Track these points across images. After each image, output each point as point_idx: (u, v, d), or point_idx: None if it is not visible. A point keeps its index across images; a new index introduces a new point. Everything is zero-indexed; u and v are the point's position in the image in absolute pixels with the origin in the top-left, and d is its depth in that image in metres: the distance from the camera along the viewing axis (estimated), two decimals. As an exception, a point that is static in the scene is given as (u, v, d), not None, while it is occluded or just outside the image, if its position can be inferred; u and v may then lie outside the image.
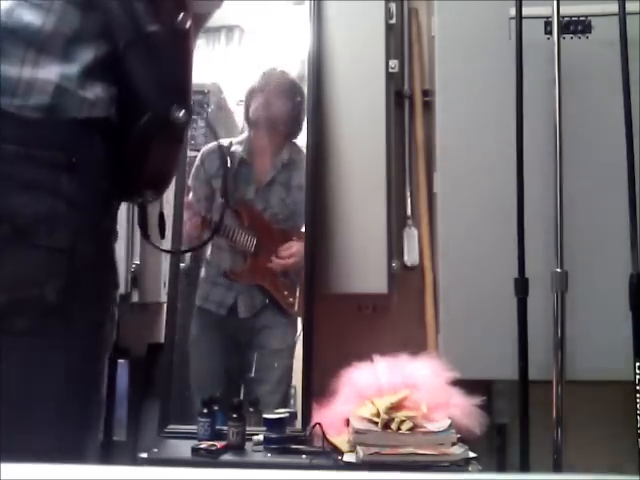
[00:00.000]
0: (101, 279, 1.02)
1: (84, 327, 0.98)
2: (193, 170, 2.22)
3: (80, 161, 0.96)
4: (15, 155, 0.91)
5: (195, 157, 2.23)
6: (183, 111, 1.05)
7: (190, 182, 2.21)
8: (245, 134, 2.27)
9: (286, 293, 2.18)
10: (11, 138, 0.92)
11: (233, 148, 2.23)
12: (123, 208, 1.96)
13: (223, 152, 2.17)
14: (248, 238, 2.19)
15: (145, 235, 1.20)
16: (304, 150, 2.14)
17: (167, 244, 2.17)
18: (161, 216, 1.22)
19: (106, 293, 1.03)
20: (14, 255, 0.91)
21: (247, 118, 2.26)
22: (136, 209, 1.19)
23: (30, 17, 0.98)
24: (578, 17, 2.02)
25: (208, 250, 2.24)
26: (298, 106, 2.20)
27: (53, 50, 0.97)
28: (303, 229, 2.12)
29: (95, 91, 0.99)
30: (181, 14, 1.05)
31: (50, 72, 0.96)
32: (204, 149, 2.23)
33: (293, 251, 2.17)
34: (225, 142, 2.23)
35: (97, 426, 1.02)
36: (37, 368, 0.92)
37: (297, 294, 2.17)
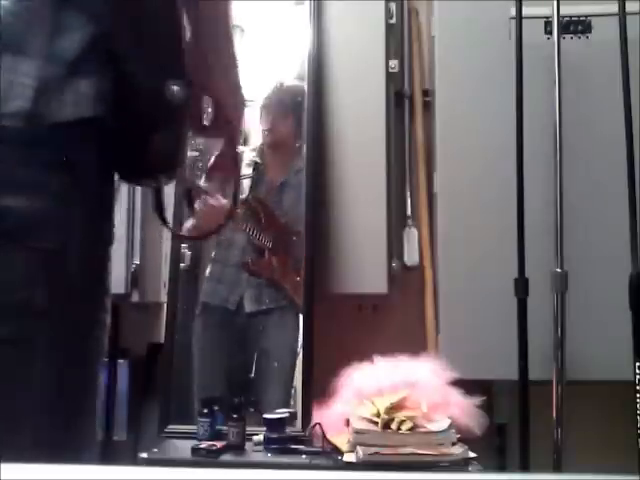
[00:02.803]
0: (91, 284, 0.95)
1: (71, 334, 0.90)
2: None
3: (72, 160, 0.89)
4: (1, 153, 0.84)
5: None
6: (177, 87, 0.93)
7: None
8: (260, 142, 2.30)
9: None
10: None
11: (247, 154, 2.27)
12: (123, 208, 2.03)
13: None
14: (265, 234, 2.19)
15: (163, 221, 1.12)
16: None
17: (167, 243, 2.19)
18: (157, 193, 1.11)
19: (96, 299, 0.96)
20: (2, 257, 0.85)
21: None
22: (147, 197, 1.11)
23: (4, 10, 0.86)
24: (578, 17, 2.02)
25: (215, 247, 2.24)
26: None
27: (33, 46, 0.87)
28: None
29: (79, 89, 0.89)
30: None
31: (29, 75, 0.86)
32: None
33: None
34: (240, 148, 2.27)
35: (91, 435, 0.96)
36: (21, 377, 0.86)
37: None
